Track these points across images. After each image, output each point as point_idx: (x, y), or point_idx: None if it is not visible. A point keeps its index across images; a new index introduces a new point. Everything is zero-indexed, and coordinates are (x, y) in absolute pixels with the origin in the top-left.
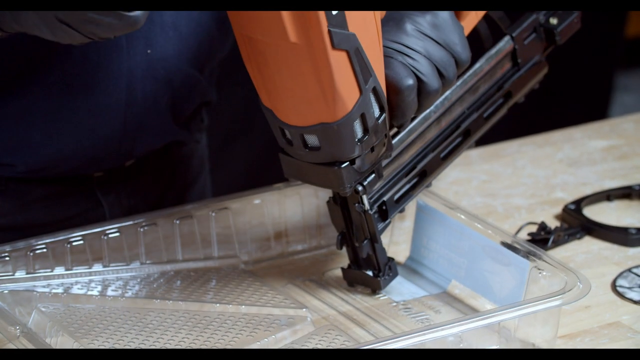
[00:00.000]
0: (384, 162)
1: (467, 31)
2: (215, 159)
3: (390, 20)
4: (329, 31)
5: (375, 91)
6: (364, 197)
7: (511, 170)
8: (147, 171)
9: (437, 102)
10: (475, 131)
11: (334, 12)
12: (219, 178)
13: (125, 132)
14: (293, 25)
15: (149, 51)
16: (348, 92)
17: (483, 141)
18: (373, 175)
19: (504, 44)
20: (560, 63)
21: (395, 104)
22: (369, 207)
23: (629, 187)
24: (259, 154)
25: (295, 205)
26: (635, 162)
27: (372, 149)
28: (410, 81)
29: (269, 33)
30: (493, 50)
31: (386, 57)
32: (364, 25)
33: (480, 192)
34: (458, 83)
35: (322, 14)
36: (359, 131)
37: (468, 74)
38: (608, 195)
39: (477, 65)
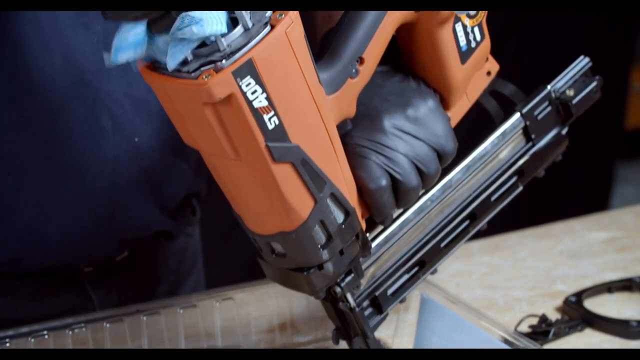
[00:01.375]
0: (372, 259)
1: (455, 120)
2: (212, 253)
3: (365, 118)
4: (267, 146)
5: (334, 197)
6: (348, 296)
7: (512, 262)
8: (138, 266)
9: (435, 189)
10: (483, 215)
11: (271, 127)
12: (215, 272)
13: (112, 220)
14: (227, 142)
15: (136, 139)
16: (300, 202)
17: (484, 233)
18: (352, 276)
19: (513, 121)
20: (561, 154)
21: (370, 204)
22: (354, 305)
23: (630, 280)
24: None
25: (300, 295)
26: (635, 254)
27: (342, 252)
28: (383, 182)
29: (210, 149)
30: (500, 130)
31: (360, 157)
32: (310, 134)
33: (481, 284)
34: (460, 167)
35: (257, 130)
36: (321, 237)
37: (472, 157)
38: (609, 288)
39: (481, 147)
